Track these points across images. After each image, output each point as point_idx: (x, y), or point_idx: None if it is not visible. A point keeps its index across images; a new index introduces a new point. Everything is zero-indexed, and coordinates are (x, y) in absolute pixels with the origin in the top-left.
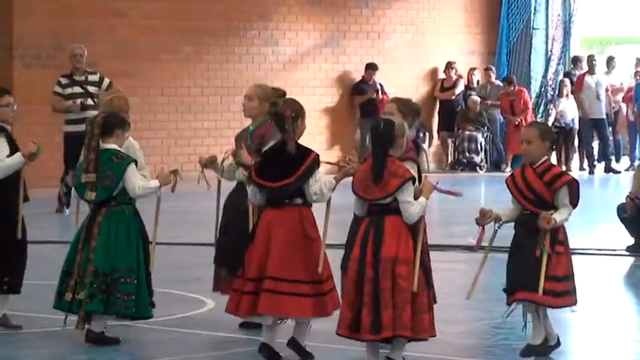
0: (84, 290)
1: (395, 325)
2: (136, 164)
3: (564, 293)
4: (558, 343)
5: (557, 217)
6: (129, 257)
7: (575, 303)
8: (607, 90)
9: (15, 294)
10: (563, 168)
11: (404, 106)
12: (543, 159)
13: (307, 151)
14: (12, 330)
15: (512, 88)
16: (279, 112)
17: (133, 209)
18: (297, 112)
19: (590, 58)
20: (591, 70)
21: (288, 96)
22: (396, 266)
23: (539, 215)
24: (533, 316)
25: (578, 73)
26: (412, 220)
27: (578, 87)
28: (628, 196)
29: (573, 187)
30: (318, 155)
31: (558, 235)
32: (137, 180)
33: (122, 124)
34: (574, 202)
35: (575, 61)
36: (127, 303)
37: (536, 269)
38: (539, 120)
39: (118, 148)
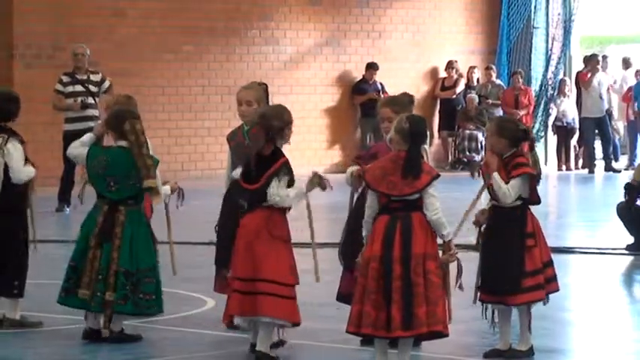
0: (110, 290)
1: (430, 321)
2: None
3: (534, 288)
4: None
5: (501, 182)
6: (150, 256)
7: (543, 297)
8: (608, 89)
9: (20, 298)
10: (564, 167)
11: (396, 105)
12: (510, 152)
13: (278, 157)
14: (31, 328)
15: (520, 82)
16: (266, 126)
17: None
18: (285, 123)
19: (593, 58)
20: (593, 70)
21: (288, 96)
22: (426, 262)
23: (486, 157)
24: (506, 317)
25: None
26: (439, 215)
27: (586, 84)
28: (629, 183)
29: (532, 180)
30: (286, 160)
31: (526, 228)
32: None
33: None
34: (534, 198)
35: (587, 61)
36: (149, 302)
37: (506, 266)
38: (505, 117)
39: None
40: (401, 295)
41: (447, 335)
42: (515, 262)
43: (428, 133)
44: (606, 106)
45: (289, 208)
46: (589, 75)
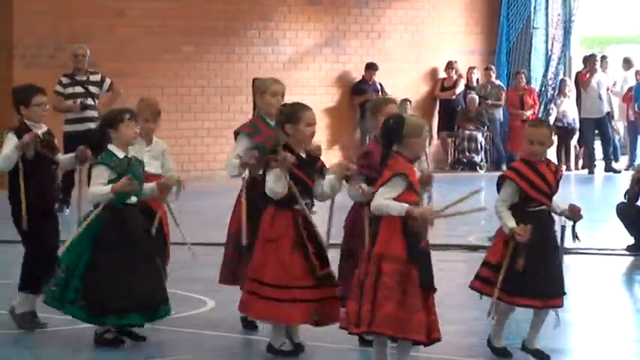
0: None
1: (373, 322)
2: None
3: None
4: None
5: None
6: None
7: None
8: (607, 89)
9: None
10: (564, 168)
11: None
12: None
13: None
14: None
15: (523, 82)
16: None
17: None
18: (285, 117)
19: (592, 58)
20: (592, 70)
21: (287, 96)
22: (382, 263)
23: (570, 207)
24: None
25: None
26: (374, 207)
27: (584, 85)
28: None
29: None
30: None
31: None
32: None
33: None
34: None
35: (586, 61)
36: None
37: (559, 271)
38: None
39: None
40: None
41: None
42: (559, 263)
43: (407, 136)
44: (606, 107)
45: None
46: (588, 75)
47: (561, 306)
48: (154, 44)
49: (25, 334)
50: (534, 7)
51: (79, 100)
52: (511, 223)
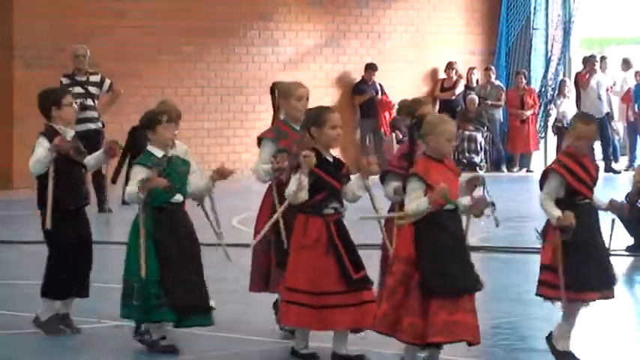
0: None
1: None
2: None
3: None
4: None
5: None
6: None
7: None
8: (607, 90)
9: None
10: None
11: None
12: None
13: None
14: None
15: (524, 83)
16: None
17: None
18: (310, 120)
19: (592, 59)
20: (591, 71)
21: None
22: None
23: (610, 202)
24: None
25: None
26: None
27: (584, 85)
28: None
29: None
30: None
31: None
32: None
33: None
34: None
35: (586, 61)
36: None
37: (610, 263)
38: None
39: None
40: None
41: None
42: (608, 256)
43: (425, 134)
44: (606, 108)
45: None
46: (587, 76)
47: (613, 297)
48: (154, 45)
49: (26, 334)
50: (534, 8)
51: (78, 101)
52: (557, 212)
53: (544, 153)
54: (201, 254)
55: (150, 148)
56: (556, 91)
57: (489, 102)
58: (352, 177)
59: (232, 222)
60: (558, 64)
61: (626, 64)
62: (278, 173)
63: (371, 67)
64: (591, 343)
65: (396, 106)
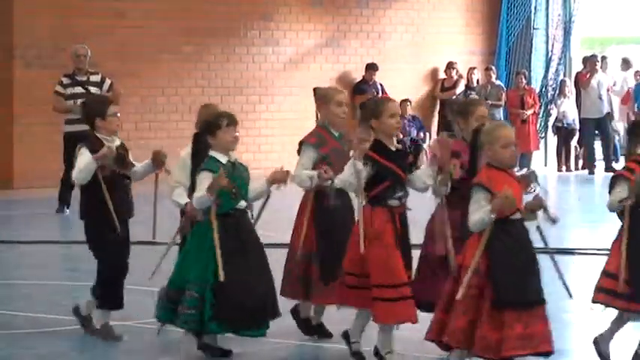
0: None
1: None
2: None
3: None
4: None
5: None
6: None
7: None
8: (607, 90)
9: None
10: (564, 168)
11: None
12: None
13: None
14: (113, 340)
15: (524, 82)
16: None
17: None
18: (369, 112)
19: (593, 59)
20: (592, 70)
21: (287, 97)
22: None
23: None
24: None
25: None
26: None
27: (584, 85)
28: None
29: None
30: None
31: None
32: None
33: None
34: None
35: (586, 61)
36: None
37: None
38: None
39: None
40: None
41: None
42: None
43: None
44: (607, 108)
45: None
46: (588, 75)
47: None
48: (154, 44)
49: (25, 334)
50: (534, 8)
51: (79, 101)
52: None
53: (544, 153)
54: (268, 261)
55: (213, 153)
56: (556, 91)
57: (490, 102)
58: (422, 166)
59: None
60: (559, 64)
61: (626, 63)
62: (322, 182)
63: (372, 67)
64: (591, 342)
65: (447, 107)
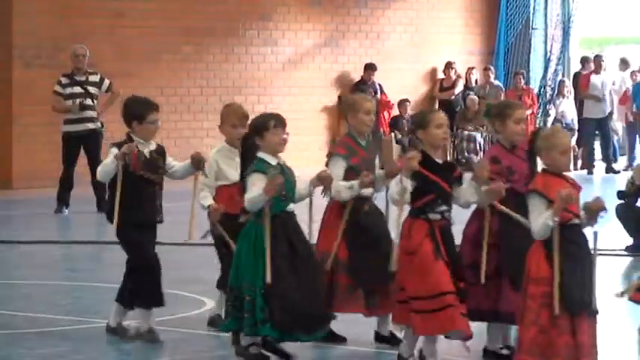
0: None
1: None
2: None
3: None
4: None
5: None
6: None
7: None
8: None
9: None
10: None
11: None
12: None
13: None
14: (154, 343)
15: (522, 83)
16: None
17: None
18: (416, 123)
19: (598, 58)
20: (597, 70)
21: (286, 97)
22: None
23: None
24: None
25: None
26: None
27: (584, 86)
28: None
29: None
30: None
31: None
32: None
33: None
34: None
35: (584, 61)
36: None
37: None
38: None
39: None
40: None
41: None
42: None
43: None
44: (609, 108)
45: None
46: (591, 75)
47: None
48: (153, 44)
49: (25, 334)
50: (533, 8)
51: (77, 101)
52: None
53: None
54: (317, 264)
55: (261, 154)
56: (555, 91)
57: (488, 102)
58: (466, 181)
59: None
60: (557, 64)
61: (624, 63)
62: (363, 188)
63: (370, 67)
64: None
65: (484, 109)
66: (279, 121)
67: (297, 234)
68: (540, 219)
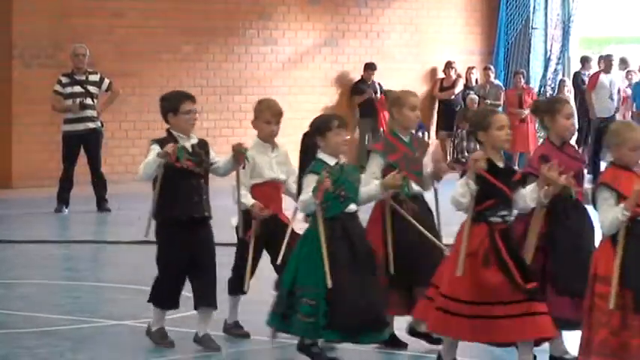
0: None
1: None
2: None
3: None
4: None
5: None
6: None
7: None
8: (619, 90)
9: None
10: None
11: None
12: None
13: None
14: (212, 351)
15: (522, 82)
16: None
17: None
18: (477, 125)
19: (609, 57)
20: (607, 69)
21: (286, 96)
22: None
23: None
24: None
25: (587, 72)
26: (605, 233)
27: (591, 86)
28: None
29: None
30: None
31: None
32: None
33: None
34: None
35: (584, 61)
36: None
37: None
38: None
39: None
40: None
41: None
42: None
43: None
44: (615, 108)
45: None
46: (600, 75)
47: None
48: (153, 44)
49: (25, 333)
50: (533, 8)
51: (78, 100)
52: None
53: None
54: (376, 265)
55: (321, 155)
56: (555, 91)
57: (488, 101)
58: (528, 186)
59: (232, 222)
60: (557, 64)
61: (624, 63)
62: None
63: (370, 67)
64: None
65: (533, 106)
66: (342, 122)
67: (359, 235)
68: (610, 213)
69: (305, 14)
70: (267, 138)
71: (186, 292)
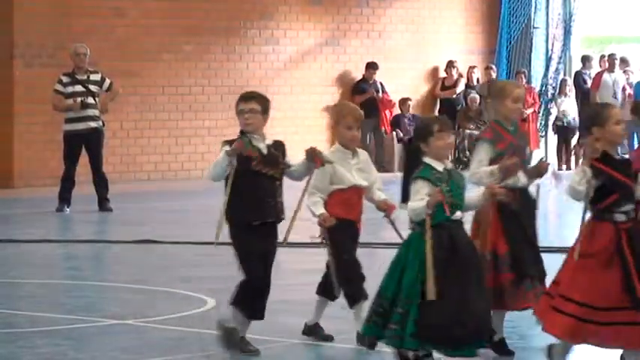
0: None
1: None
2: None
3: None
4: None
5: None
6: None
7: None
8: (623, 89)
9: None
10: (564, 167)
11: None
12: None
13: None
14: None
15: (523, 81)
16: None
17: None
18: (593, 119)
19: (612, 57)
20: (610, 69)
21: (287, 95)
22: None
23: None
24: None
25: (588, 72)
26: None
27: (594, 86)
28: None
29: None
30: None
31: None
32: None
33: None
34: None
35: (585, 60)
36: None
37: None
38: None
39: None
40: None
41: None
42: None
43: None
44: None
45: None
46: (604, 74)
47: None
48: (155, 43)
49: (25, 333)
50: (535, 7)
51: (79, 99)
52: None
53: (544, 151)
54: (482, 275)
55: (427, 160)
56: (557, 90)
57: (489, 100)
58: None
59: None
60: (559, 63)
61: (624, 63)
62: (505, 177)
63: (372, 66)
64: None
65: (632, 106)
66: (444, 125)
67: (465, 245)
68: None
69: (306, 14)
70: (348, 144)
71: (190, 292)
